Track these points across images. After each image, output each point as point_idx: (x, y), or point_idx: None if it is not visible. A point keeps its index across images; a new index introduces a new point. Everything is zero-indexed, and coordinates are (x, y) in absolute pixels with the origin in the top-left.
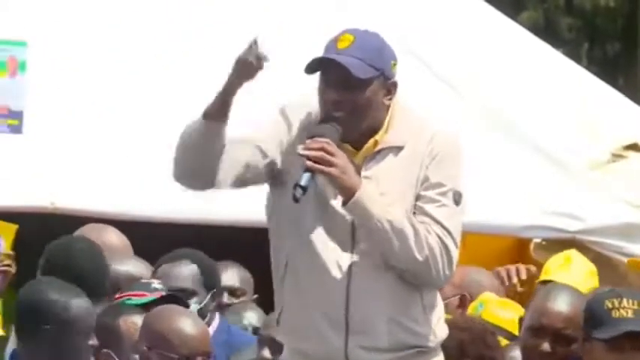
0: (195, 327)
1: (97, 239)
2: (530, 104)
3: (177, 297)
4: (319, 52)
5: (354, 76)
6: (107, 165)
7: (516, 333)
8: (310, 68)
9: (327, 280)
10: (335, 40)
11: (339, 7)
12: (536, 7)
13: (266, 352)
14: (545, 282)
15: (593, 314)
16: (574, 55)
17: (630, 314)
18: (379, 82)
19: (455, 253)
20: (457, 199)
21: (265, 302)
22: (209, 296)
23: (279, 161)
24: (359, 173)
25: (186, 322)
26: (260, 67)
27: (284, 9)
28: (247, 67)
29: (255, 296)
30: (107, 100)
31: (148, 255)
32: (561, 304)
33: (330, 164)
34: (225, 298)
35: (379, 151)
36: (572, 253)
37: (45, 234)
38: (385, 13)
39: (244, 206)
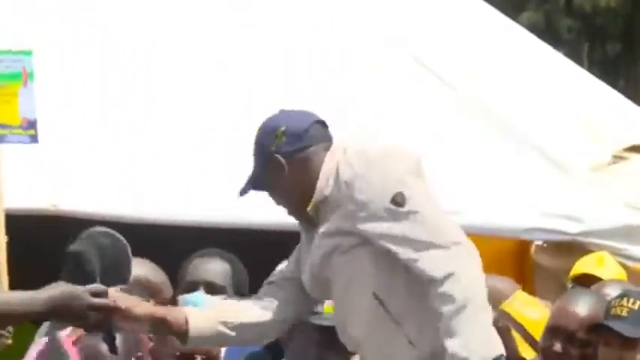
0: None
1: None
2: (531, 106)
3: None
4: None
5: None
6: (109, 167)
7: (536, 336)
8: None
9: None
10: None
11: (339, 6)
12: (537, 8)
13: None
14: (576, 278)
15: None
16: (574, 56)
17: (624, 313)
18: (274, 167)
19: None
20: (399, 201)
21: None
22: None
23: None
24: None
25: None
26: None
27: (285, 10)
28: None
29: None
30: (109, 101)
31: (149, 258)
32: (579, 307)
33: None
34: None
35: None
36: (604, 254)
37: (46, 236)
38: (385, 14)
39: (248, 209)
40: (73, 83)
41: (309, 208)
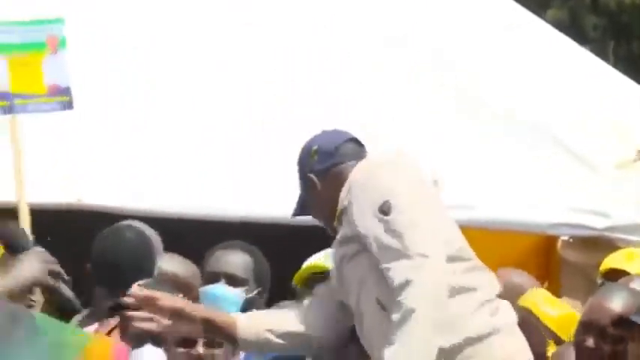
0: None
1: None
2: (557, 103)
3: None
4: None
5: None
6: (134, 161)
7: (557, 331)
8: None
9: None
10: None
11: (339, 6)
12: (562, 6)
13: None
14: (607, 273)
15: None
16: (600, 53)
17: None
18: (309, 186)
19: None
20: (385, 209)
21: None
22: (256, 291)
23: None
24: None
25: None
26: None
27: (285, 10)
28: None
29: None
30: (133, 96)
31: (174, 251)
32: (613, 302)
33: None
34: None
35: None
36: (633, 249)
37: (71, 230)
38: (411, 12)
39: (268, 202)
40: (94, 81)
41: (335, 222)
